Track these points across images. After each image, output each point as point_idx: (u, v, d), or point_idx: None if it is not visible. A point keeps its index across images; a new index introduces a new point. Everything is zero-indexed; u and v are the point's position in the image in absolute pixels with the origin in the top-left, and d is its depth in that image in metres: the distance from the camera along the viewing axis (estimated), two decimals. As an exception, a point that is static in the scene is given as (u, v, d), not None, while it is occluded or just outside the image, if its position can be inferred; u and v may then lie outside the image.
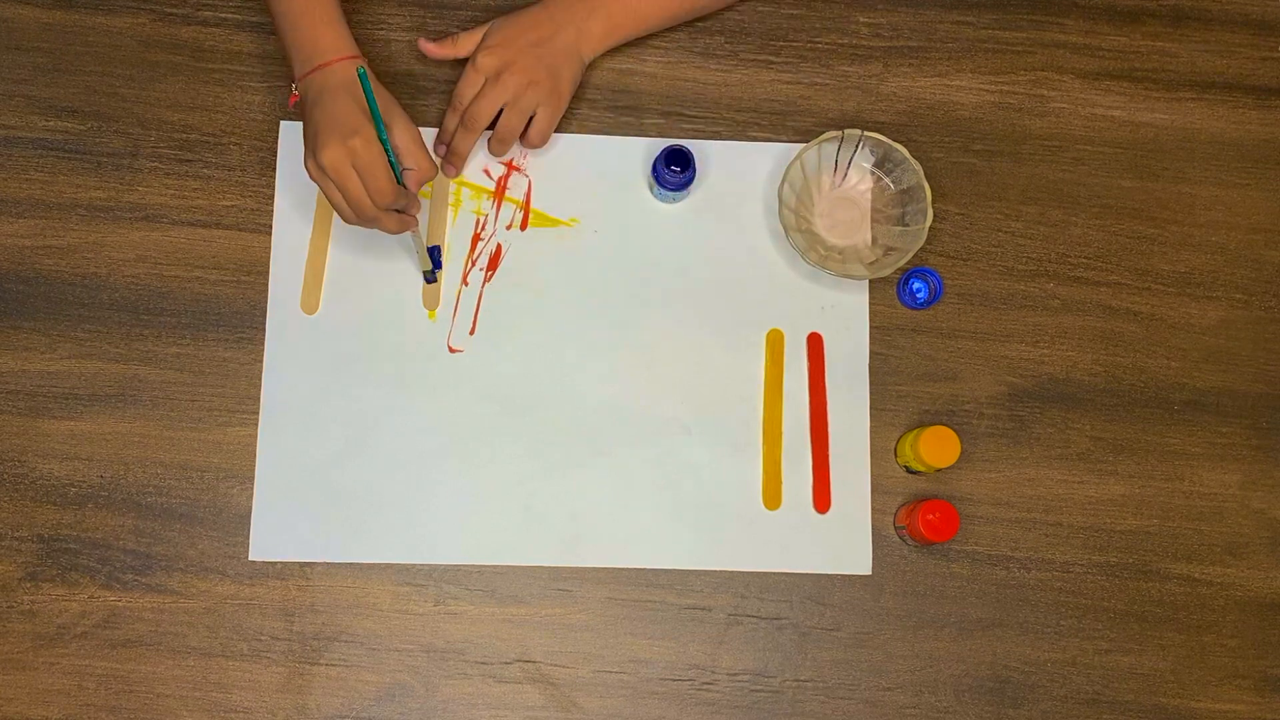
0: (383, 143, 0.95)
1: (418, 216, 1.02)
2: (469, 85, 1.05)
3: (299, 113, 1.02)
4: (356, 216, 0.97)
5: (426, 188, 1.09)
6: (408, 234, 1.05)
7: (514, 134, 1.06)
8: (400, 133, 0.97)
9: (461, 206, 1.10)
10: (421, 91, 1.11)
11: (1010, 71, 1.15)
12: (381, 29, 1.12)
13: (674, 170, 1.05)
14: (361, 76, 0.94)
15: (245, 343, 1.06)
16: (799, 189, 1.10)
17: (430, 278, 1.07)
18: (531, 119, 1.06)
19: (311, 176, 0.97)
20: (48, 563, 1.02)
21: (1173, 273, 1.12)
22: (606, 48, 1.08)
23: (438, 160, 1.09)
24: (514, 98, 1.04)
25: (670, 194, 1.08)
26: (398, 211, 0.99)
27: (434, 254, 1.07)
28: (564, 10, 1.06)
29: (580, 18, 1.05)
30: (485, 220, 1.10)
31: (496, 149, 1.08)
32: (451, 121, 1.07)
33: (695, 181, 1.09)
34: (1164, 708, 1.05)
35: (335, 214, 1.03)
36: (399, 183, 0.98)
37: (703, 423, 1.07)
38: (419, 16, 1.13)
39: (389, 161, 0.96)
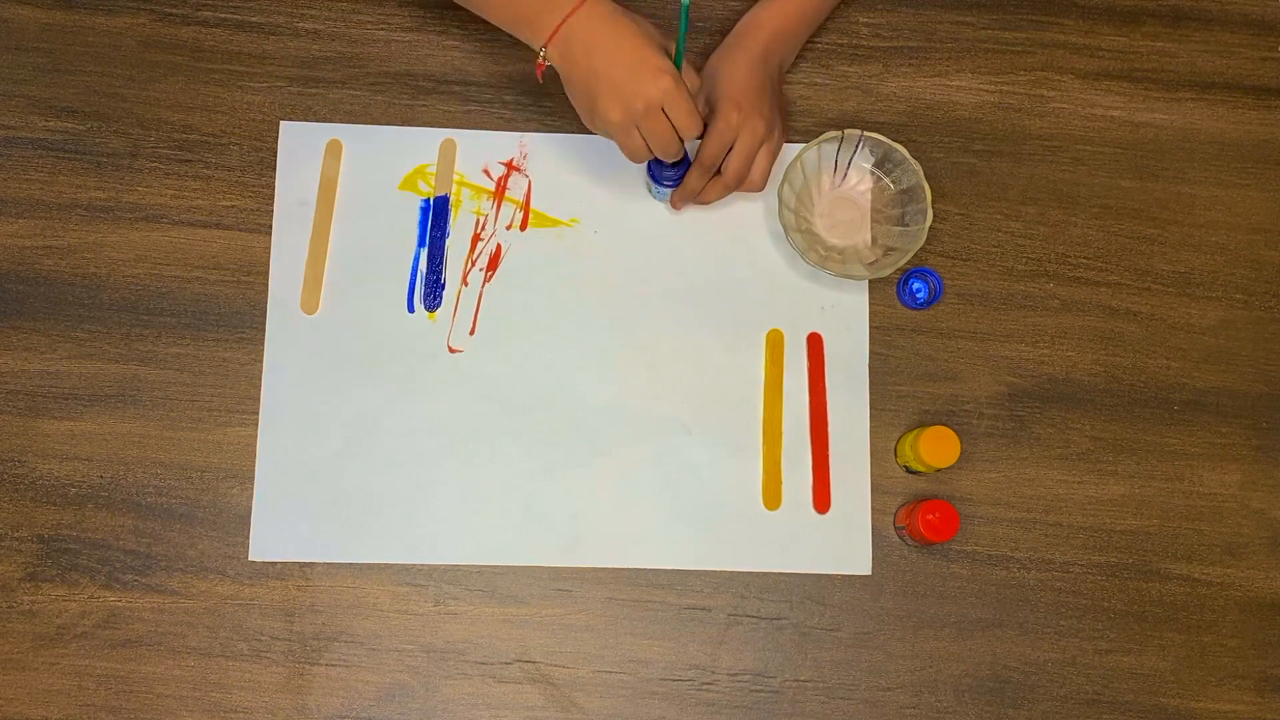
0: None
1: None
2: (720, 141, 1.02)
3: (546, 81, 0.98)
4: (647, 158, 0.98)
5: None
6: None
7: (765, 178, 1.05)
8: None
9: (461, 207, 1.10)
10: (421, 92, 1.11)
11: (1010, 71, 1.15)
12: (382, 29, 1.12)
13: (672, 169, 1.05)
14: (685, 10, 0.91)
15: (245, 343, 1.06)
16: (799, 189, 1.10)
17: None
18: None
19: (607, 130, 0.95)
20: (48, 563, 1.02)
21: (1173, 273, 1.12)
22: (796, 51, 1.09)
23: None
24: (764, 145, 1.03)
25: (669, 192, 1.08)
26: None
27: None
28: (761, 51, 1.04)
29: (770, 56, 1.04)
30: (485, 220, 1.10)
31: (753, 189, 1.06)
32: (698, 180, 1.05)
33: (695, 181, 1.09)
34: (1164, 708, 1.05)
35: (627, 158, 1.00)
36: None
37: (703, 423, 1.07)
38: (419, 17, 1.13)
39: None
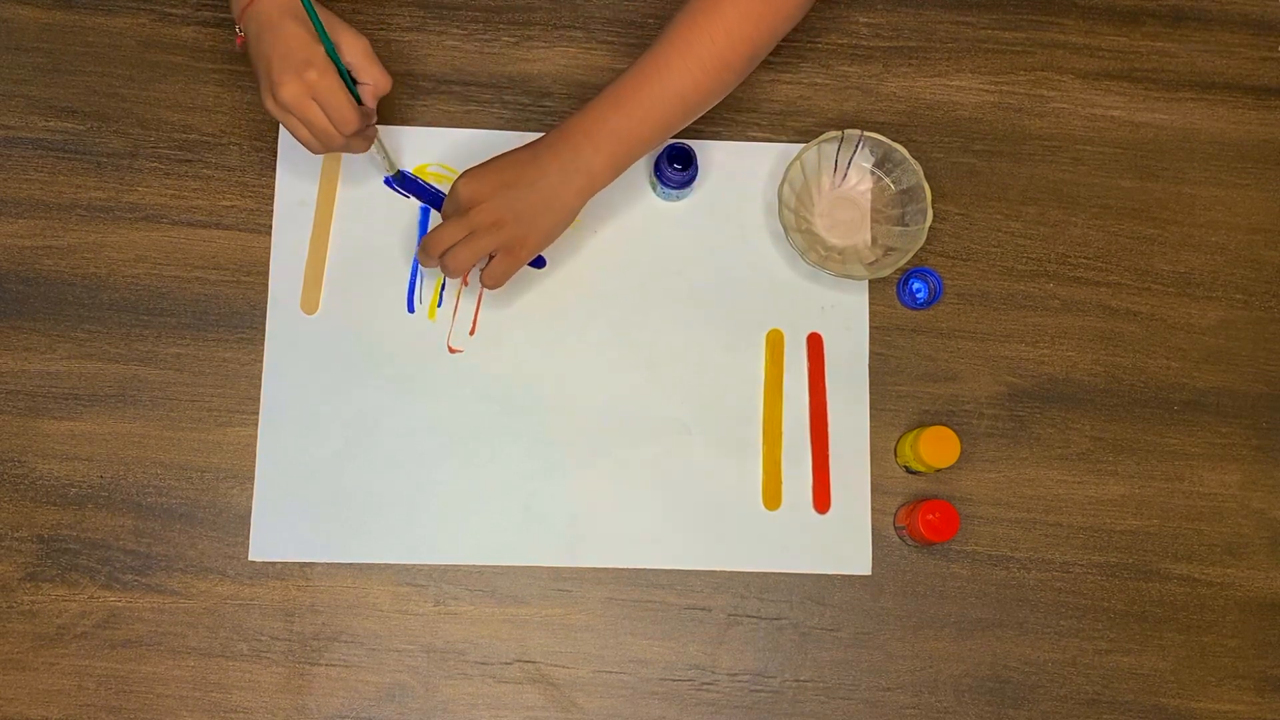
0: (336, 64, 0.94)
1: (377, 127, 1.01)
2: (448, 207, 0.99)
3: (246, 53, 0.98)
4: (324, 147, 0.96)
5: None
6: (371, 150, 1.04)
7: (461, 268, 0.98)
8: (350, 50, 0.95)
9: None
10: (421, 92, 1.11)
11: (1010, 71, 1.15)
12: (382, 29, 1.12)
13: (676, 168, 1.05)
14: (304, 2, 0.92)
15: (245, 343, 1.06)
16: (799, 189, 1.10)
17: (397, 178, 1.09)
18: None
19: (272, 114, 0.95)
20: (48, 563, 1.02)
21: (1173, 273, 1.12)
22: (612, 177, 0.99)
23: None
24: (475, 234, 0.97)
25: (673, 192, 1.09)
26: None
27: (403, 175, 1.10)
28: (548, 153, 0.97)
29: (566, 161, 0.97)
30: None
31: (447, 275, 0.99)
32: (423, 256, 1.01)
33: (696, 181, 1.09)
34: (1164, 708, 1.05)
35: (302, 146, 0.98)
36: (358, 101, 0.97)
37: (703, 423, 1.07)
38: (419, 17, 1.13)
39: (347, 85, 0.95)
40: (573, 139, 0.97)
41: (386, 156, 1.07)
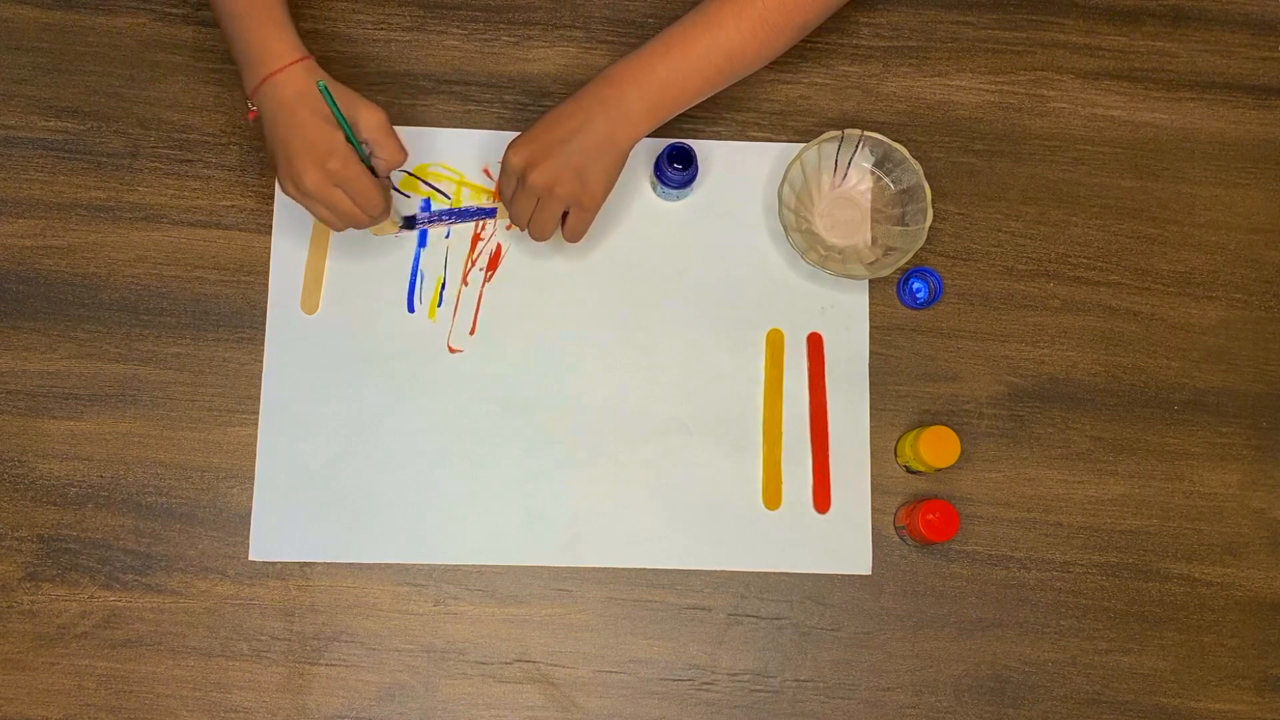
0: (355, 146, 0.94)
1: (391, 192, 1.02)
2: (504, 184, 1.01)
3: (258, 128, 0.99)
4: (345, 227, 0.98)
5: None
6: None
7: (545, 234, 1.01)
8: (367, 126, 0.95)
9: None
10: (422, 92, 1.11)
11: (1010, 71, 1.15)
12: (382, 29, 1.12)
13: (676, 168, 1.05)
14: (323, 90, 0.92)
15: (245, 343, 1.06)
16: (799, 189, 1.10)
17: (408, 224, 1.08)
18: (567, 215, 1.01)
19: (291, 197, 0.95)
20: (48, 563, 1.02)
21: (1173, 273, 1.12)
22: (650, 128, 0.99)
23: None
24: (541, 200, 0.98)
25: (673, 192, 1.09)
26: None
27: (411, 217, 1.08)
28: (592, 98, 0.97)
29: (611, 104, 0.97)
30: (485, 220, 1.10)
31: (535, 239, 1.02)
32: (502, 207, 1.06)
33: (696, 181, 1.09)
34: (1164, 708, 1.05)
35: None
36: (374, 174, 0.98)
37: (702, 423, 1.07)
38: (419, 17, 1.13)
39: (368, 167, 0.96)
40: (619, 84, 0.97)
41: (396, 210, 1.08)
